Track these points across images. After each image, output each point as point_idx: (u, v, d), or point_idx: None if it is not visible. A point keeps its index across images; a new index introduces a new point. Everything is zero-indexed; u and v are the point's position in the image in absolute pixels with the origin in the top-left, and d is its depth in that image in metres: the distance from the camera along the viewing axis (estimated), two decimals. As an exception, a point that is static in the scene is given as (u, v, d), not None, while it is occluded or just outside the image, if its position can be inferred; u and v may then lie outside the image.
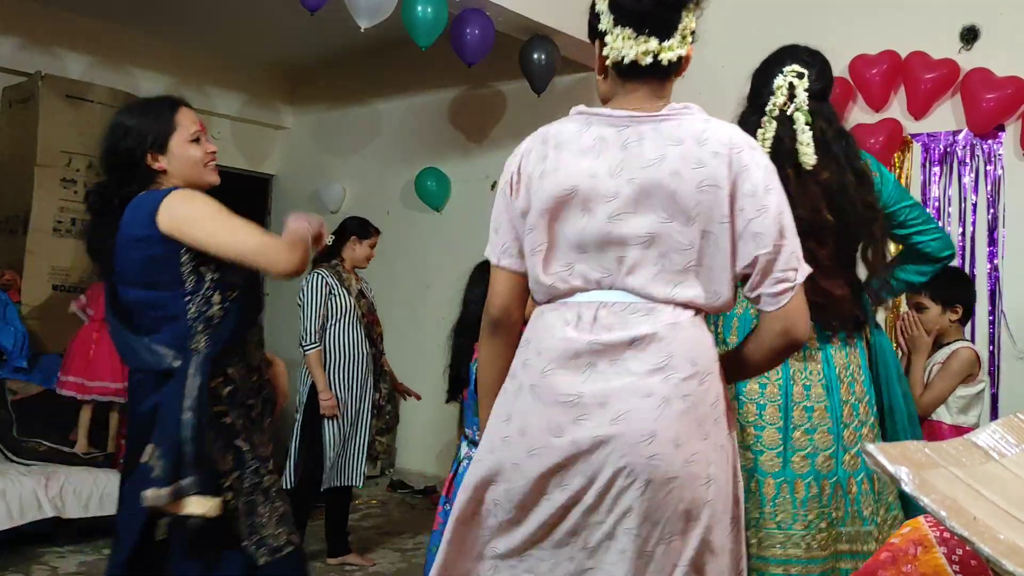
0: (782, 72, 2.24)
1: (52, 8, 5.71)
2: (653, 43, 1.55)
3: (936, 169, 4.31)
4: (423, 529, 4.79)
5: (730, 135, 1.59)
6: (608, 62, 1.59)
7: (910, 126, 4.38)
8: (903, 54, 4.31)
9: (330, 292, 4.21)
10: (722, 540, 1.54)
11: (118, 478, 4.39)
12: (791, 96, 2.18)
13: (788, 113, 2.17)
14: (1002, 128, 4.13)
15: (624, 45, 1.55)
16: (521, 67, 4.91)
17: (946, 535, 1.28)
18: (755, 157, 1.57)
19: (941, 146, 4.30)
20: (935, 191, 4.31)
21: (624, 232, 1.53)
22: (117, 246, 2.09)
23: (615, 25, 1.56)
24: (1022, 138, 4.06)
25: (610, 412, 1.47)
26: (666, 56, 1.56)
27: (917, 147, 4.37)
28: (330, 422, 4.15)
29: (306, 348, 4.17)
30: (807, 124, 2.15)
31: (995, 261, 4.14)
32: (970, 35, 4.23)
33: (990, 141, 4.17)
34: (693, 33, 1.60)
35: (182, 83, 6.51)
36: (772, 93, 2.21)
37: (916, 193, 4.36)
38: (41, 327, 5.14)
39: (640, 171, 1.53)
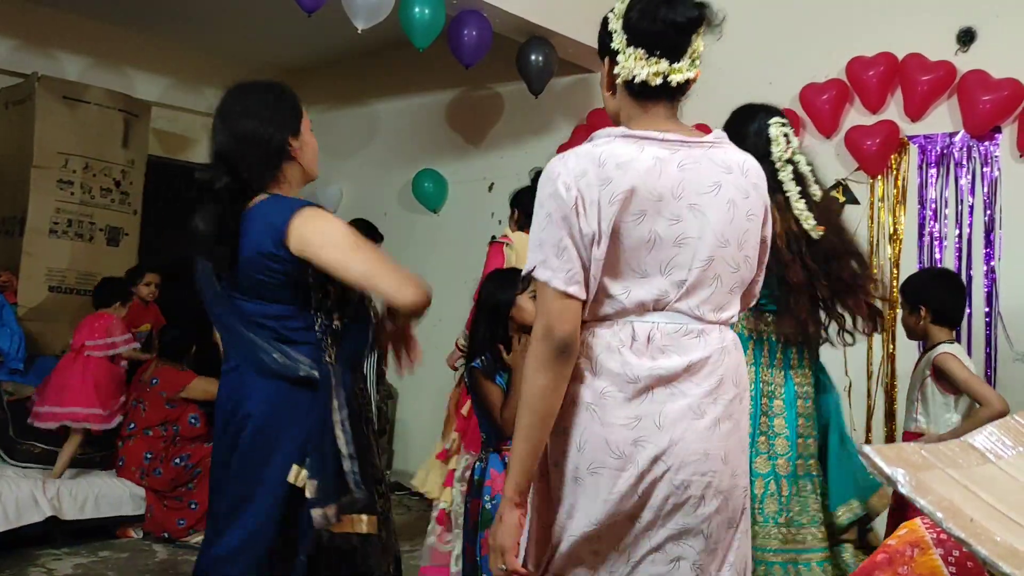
0: (770, 124, 2.53)
1: (49, 9, 5.70)
2: (664, 64, 1.60)
3: (933, 171, 4.31)
4: (419, 532, 4.78)
5: (759, 168, 1.70)
6: (619, 80, 1.65)
7: (907, 128, 4.38)
8: (900, 56, 4.32)
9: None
10: (747, 541, 1.69)
11: (115, 480, 4.46)
12: (788, 143, 2.50)
13: (788, 158, 2.48)
14: (999, 130, 4.14)
15: (636, 65, 1.60)
16: (518, 68, 4.91)
17: (943, 537, 1.28)
18: (766, 190, 1.71)
19: (938, 148, 4.31)
20: (932, 193, 4.31)
21: (688, 255, 1.57)
22: (241, 258, 2.00)
23: (628, 45, 1.61)
24: (1019, 140, 4.07)
25: (667, 433, 1.54)
26: (675, 78, 1.61)
27: (914, 149, 4.37)
28: None
29: None
30: (808, 164, 2.51)
31: (992, 263, 4.15)
32: (967, 37, 4.23)
33: (987, 143, 4.18)
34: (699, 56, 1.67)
35: (179, 84, 6.51)
36: (769, 142, 2.48)
37: (913, 195, 4.37)
38: (37, 329, 5.13)
39: (699, 197, 1.58)
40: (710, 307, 1.59)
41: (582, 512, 1.57)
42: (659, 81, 1.61)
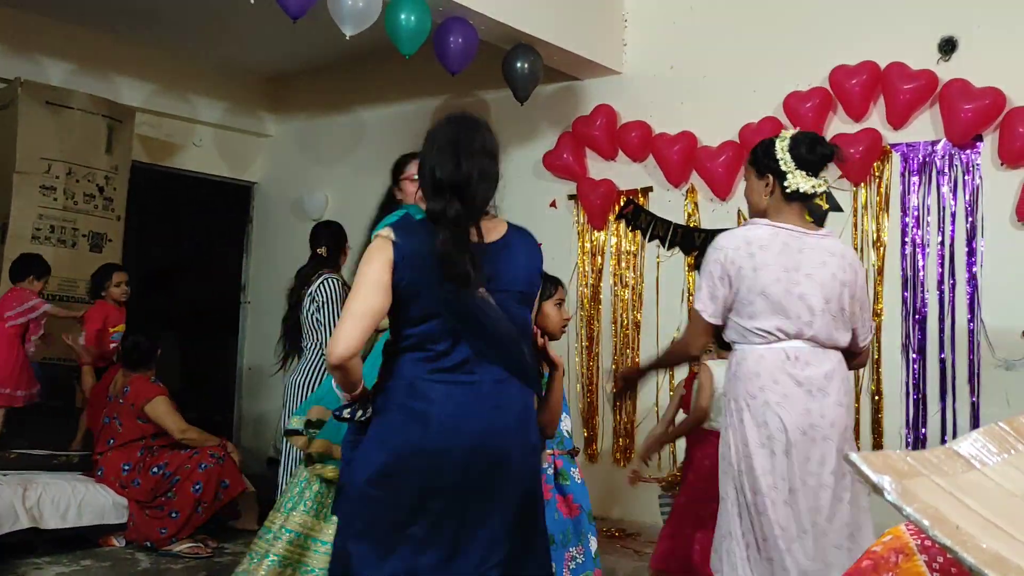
0: None
1: (32, 14, 5.66)
2: (814, 181, 2.54)
3: (915, 179, 4.35)
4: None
5: (853, 254, 2.65)
6: (787, 191, 2.54)
7: (889, 136, 4.42)
8: (882, 65, 4.35)
9: (346, 296, 4.12)
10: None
11: (97, 488, 4.41)
12: None
13: None
14: (980, 138, 4.18)
15: (801, 182, 2.52)
16: (504, 76, 4.91)
17: (927, 543, 1.29)
18: (861, 268, 2.66)
19: (920, 156, 4.34)
20: (914, 200, 4.35)
21: (804, 307, 2.48)
22: (521, 268, 2.18)
23: (796, 168, 2.52)
24: (999, 148, 4.11)
25: (827, 420, 2.48)
26: (818, 190, 2.57)
27: (896, 157, 4.41)
28: None
29: None
30: None
31: (974, 270, 4.18)
32: (948, 47, 4.27)
33: (968, 151, 4.21)
34: None
35: (164, 90, 6.48)
36: None
37: (895, 202, 4.40)
38: (19, 335, 5.09)
39: (813, 269, 2.49)
40: (827, 337, 2.51)
41: (777, 474, 2.46)
42: (812, 191, 2.54)
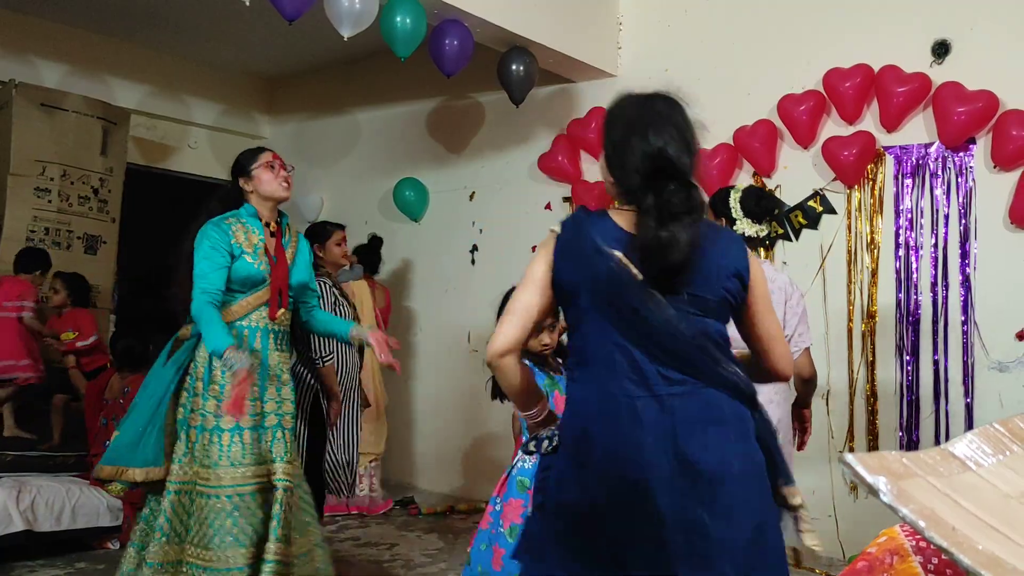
0: None
1: (27, 16, 5.65)
2: (758, 227, 3.05)
3: (908, 181, 4.36)
4: (400, 540, 4.77)
5: (783, 278, 3.09)
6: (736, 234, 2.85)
7: (883, 139, 4.43)
8: (876, 68, 4.37)
9: (336, 300, 4.09)
10: None
11: (91, 491, 4.39)
12: None
13: None
14: (973, 141, 4.19)
15: (747, 228, 3.04)
16: (499, 78, 4.92)
17: (922, 544, 1.30)
18: (792, 287, 3.08)
19: (913, 158, 4.36)
20: (907, 203, 4.36)
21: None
22: (707, 272, 1.88)
23: (744, 216, 3.04)
24: (992, 151, 4.12)
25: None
26: (761, 234, 3.07)
27: (890, 159, 4.42)
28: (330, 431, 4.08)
29: (325, 359, 3.85)
30: None
31: (967, 272, 4.19)
32: (941, 49, 4.29)
33: (961, 154, 4.23)
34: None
35: (159, 92, 6.47)
36: None
37: (889, 205, 4.41)
38: (13, 337, 5.07)
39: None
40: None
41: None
42: (755, 235, 3.05)
